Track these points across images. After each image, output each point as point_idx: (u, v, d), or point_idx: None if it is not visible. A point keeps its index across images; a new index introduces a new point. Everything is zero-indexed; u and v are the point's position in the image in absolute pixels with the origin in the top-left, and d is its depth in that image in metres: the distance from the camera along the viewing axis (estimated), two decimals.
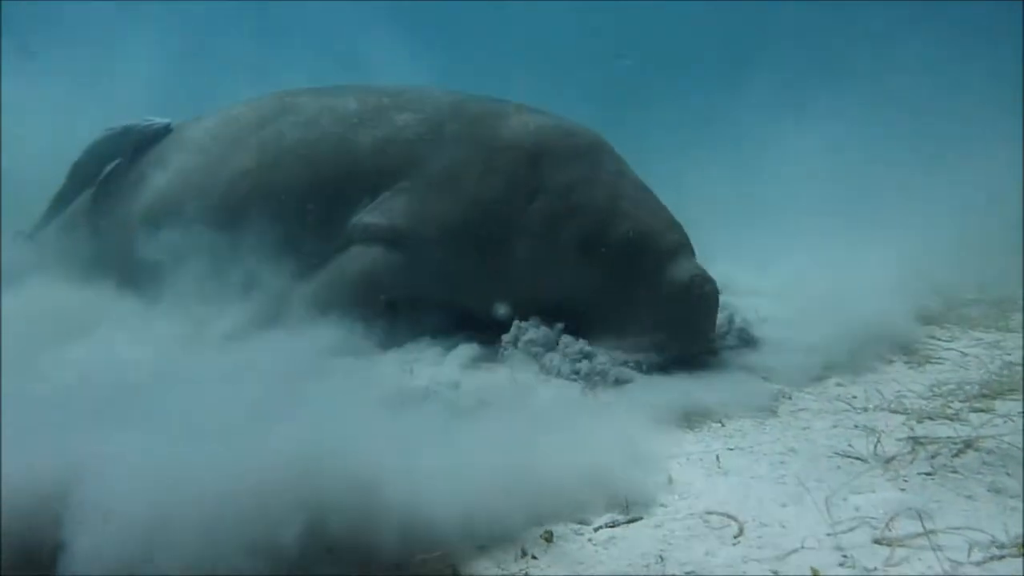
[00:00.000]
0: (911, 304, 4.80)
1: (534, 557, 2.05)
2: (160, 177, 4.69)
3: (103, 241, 4.83)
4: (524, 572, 1.97)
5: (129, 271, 4.44)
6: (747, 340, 4.13)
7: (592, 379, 3.45)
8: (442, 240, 4.02)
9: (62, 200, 5.15)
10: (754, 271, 6.14)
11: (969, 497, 2.38)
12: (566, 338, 3.75)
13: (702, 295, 3.74)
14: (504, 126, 4.20)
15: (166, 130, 5.01)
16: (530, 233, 3.97)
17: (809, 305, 4.87)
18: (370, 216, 4.13)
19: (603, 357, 3.59)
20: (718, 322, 4.03)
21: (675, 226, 4.02)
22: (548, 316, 3.93)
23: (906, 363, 3.96)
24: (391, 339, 3.94)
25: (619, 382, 3.46)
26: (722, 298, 4.01)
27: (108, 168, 5.05)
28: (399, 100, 4.44)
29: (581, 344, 3.67)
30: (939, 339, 4.39)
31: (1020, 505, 2.28)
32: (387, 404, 2.82)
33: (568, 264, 3.91)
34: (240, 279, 4.05)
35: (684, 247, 3.93)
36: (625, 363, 3.63)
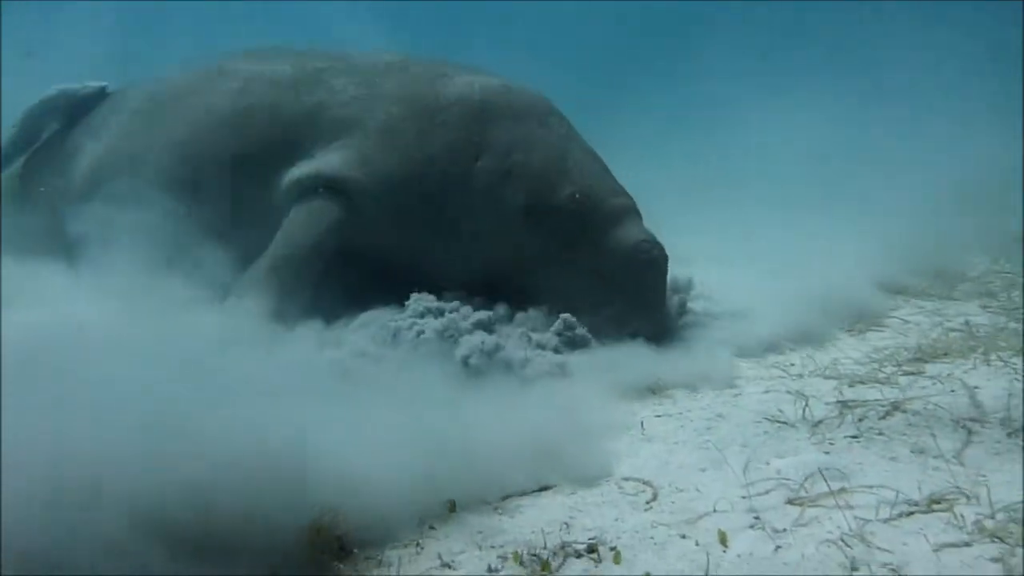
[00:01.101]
0: (867, 275, 4.76)
1: (432, 527, 1.95)
2: (95, 145, 4.53)
3: (39, 210, 4.65)
4: (416, 542, 1.87)
5: (64, 240, 4.27)
6: (701, 310, 4.06)
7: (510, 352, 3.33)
8: (384, 191, 3.87)
9: (1, 166, 4.97)
10: (726, 241, 6.08)
11: (892, 458, 2.33)
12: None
13: (649, 260, 3.63)
14: (447, 84, 4.06)
15: (102, 94, 4.83)
16: (474, 193, 3.84)
17: (770, 275, 4.83)
18: (306, 167, 3.97)
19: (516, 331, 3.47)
20: (672, 292, 3.95)
21: (621, 190, 3.91)
22: (496, 280, 3.82)
23: (848, 331, 3.93)
24: (326, 307, 3.80)
25: (544, 350, 3.34)
26: (685, 268, 3.95)
27: (45, 135, 4.87)
28: (337, 64, 4.29)
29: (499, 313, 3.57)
30: (887, 308, 4.36)
31: (940, 464, 2.23)
32: (295, 375, 2.69)
33: (512, 226, 3.78)
34: (175, 249, 3.89)
35: (630, 211, 3.81)
36: (570, 331, 3.53)
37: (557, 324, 3.55)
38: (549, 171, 3.79)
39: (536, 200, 3.75)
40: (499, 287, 3.84)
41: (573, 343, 3.50)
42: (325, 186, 3.91)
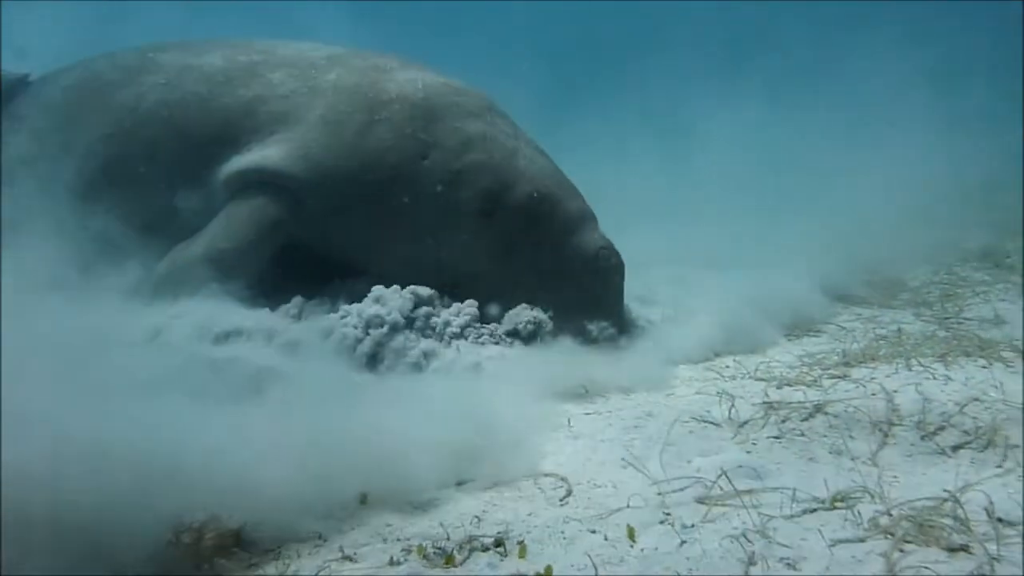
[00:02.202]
0: (813, 282, 4.82)
1: (338, 520, 1.92)
2: (17, 139, 4.32)
3: None
4: (318, 534, 1.84)
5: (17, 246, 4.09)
6: (647, 313, 4.07)
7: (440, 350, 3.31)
8: (325, 186, 3.76)
9: None
10: (677, 246, 6.12)
11: (810, 459, 2.36)
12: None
13: (609, 267, 3.62)
14: (389, 79, 3.98)
15: (23, 82, 4.65)
16: (423, 191, 3.73)
17: (717, 279, 4.87)
18: (244, 160, 3.84)
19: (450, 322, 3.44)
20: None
21: (575, 192, 3.87)
22: (453, 279, 3.74)
23: (787, 336, 3.98)
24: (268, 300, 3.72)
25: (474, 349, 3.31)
26: (637, 272, 3.94)
27: None
28: (273, 57, 4.17)
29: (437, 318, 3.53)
30: (827, 314, 4.43)
31: (855, 465, 2.26)
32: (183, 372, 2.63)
33: (468, 225, 3.70)
34: (97, 243, 3.77)
35: (587, 215, 3.78)
36: (520, 333, 3.51)
37: (505, 320, 3.54)
38: (504, 171, 3.72)
39: (492, 200, 3.68)
40: (457, 286, 3.75)
41: (517, 337, 3.49)
42: (265, 180, 3.79)
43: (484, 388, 2.98)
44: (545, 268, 3.63)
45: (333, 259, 3.93)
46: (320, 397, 2.56)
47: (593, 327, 3.58)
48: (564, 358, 3.38)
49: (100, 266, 3.72)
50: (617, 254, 3.68)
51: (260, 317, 3.40)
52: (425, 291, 3.57)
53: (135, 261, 3.79)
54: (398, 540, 1.86)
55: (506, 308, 3.64)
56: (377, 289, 3.53)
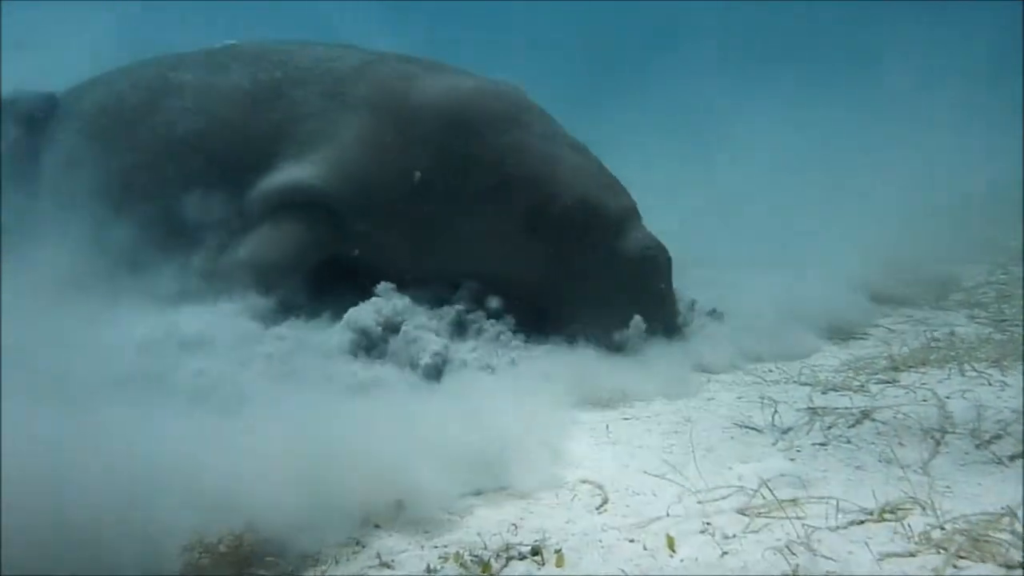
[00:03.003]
0: (859, 282, 4.69)
1: (377, 526, 1.93)
2: (52, 165, 4.35)
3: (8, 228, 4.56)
4: (356, 540, 1.85)
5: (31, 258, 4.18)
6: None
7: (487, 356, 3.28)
8: (367, 205, 3.75)
9: None
10: (715, 246, 6.01)
11: (858, 467, 2.29)
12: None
13: (654, 266, 3.54)
14: (418, 90, 3.86)
15: (51, 102, 4.67)
16: (465, 206, 3.71)
17: (759, 281, 4.79)
18: (280, 178, 3.83)
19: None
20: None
21: (618, 189, 3.78)
22: (499, 293, 3.68)
23: (831, 339, 3.88)
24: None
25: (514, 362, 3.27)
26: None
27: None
28: (294, 72, 4.08)
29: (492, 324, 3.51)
30: (874, 316, 4.31)
31: (905, 474, 2.19)
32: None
33: (511, 241, 3.66)
34: (139, 269, 3.77)
35: (630, 213, 3.68)
36: (576, 340, 3.47)
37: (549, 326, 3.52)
38: (543, 182, 3.65)
39: (534, 215, 3.63)
40: (505, 297, 3.71)
41: (557, 342, 3.46)
42: (306, 199, 3.78)
43: (521, 393, 2.96)
44: (591, 273, 3.57)
45: (376, 272, 3.93)
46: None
47: (638, 329, 3.48)
48: (602, 362, 3.35)
49: (129, 284, 3.78)
50: (663, 250, 3.60)
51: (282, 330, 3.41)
52: (464, 295, 3.58)
53: (167, 277, 3.84)
54: (435, 547, 1.86)
55: (553, 314, 3.61)
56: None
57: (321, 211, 3.78)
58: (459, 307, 3.56)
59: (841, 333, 3.93)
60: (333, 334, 3.29)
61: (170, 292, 3.69)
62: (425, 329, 3.29)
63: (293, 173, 3.82)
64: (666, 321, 3.60)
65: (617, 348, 3.42)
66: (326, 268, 3.90)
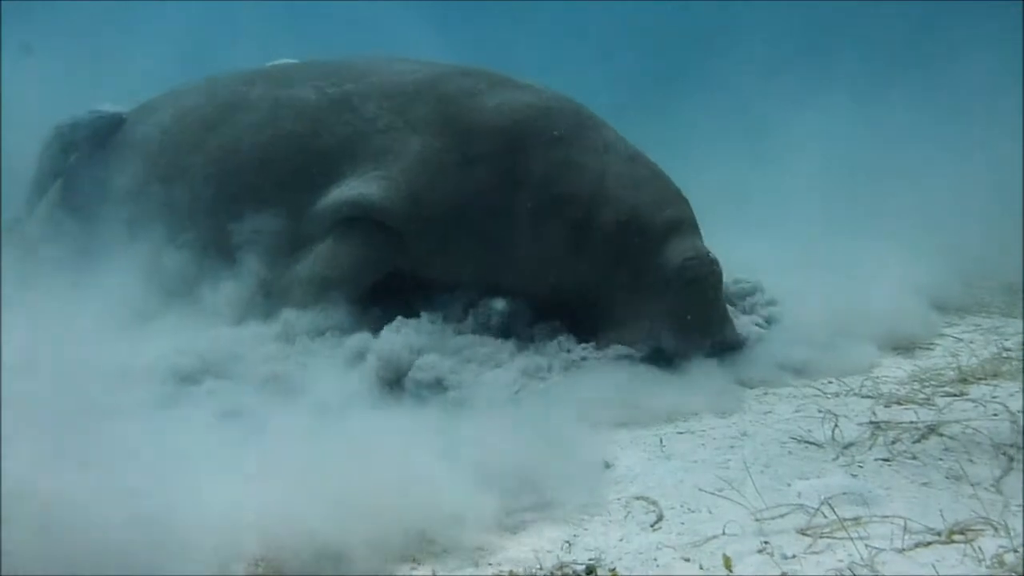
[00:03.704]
0: (923, 288, 4.52)
1: (431, 541, 1.95)
2: (120, 180, 4.52)
3: (74, 239, 4.77)
4: (413, 557, 1.87)
5: (98, 272, 4.36)
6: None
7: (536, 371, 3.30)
8: (425, 224, 3.81)
9: (37, 189, 5.12)
10: (772, 252, 5.89)
11: (925, 484, 2.21)
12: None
13: (696, 279, 3.46)
14: (478, 108, 3.91)
15: (118, 121, 4.86)
16: (517, 225, 3.75)
17: (818, 287, 4.69)
18: (346, 193, 3.89)
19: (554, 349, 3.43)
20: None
21: (669, 200, 3.72)
22: (550, 307, 3.75)
23: (895, 349, 3.76)
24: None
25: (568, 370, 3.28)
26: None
27: (68, 162, 4.98)
28: (362, 86, 4.14)
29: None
30: (939, 325, 4.15)
31: (976, 492, 2.10)
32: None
33: (559, 257, 3.69)
34: (208, 282, 3.93)
35: (678, 224, 3.60)
36: (620, 355, 3.45)
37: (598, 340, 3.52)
38: (589, 196, 3.66)
39: (580, 230, 3.65)
40: (552, 312, 3.76)
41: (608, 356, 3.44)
42: (369, 216, 3.85)
43: (572, 408, 2.96)
44: (638, 286, 3.55)
45: (435, 285, 3.96)
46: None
47: (688, 342, 3.44)
48: (653, 376, 3.32)
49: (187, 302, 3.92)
50: (710, 263, 3.52)
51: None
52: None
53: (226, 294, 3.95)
54: (490, 565, 1.87)
55: (603, 328, 3.59)
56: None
57: (380, 229, 3.85)
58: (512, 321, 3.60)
59: (905, 343, 3.80)
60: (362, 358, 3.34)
61: (229, 309, 3.81)
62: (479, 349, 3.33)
63: (357, 189, 3.88)
64: (714, 335, 3.52)
65: (653, 360, 3.39)
66: (381, 285, 3.97)
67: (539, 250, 3.73)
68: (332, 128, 4.06)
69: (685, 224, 3.66)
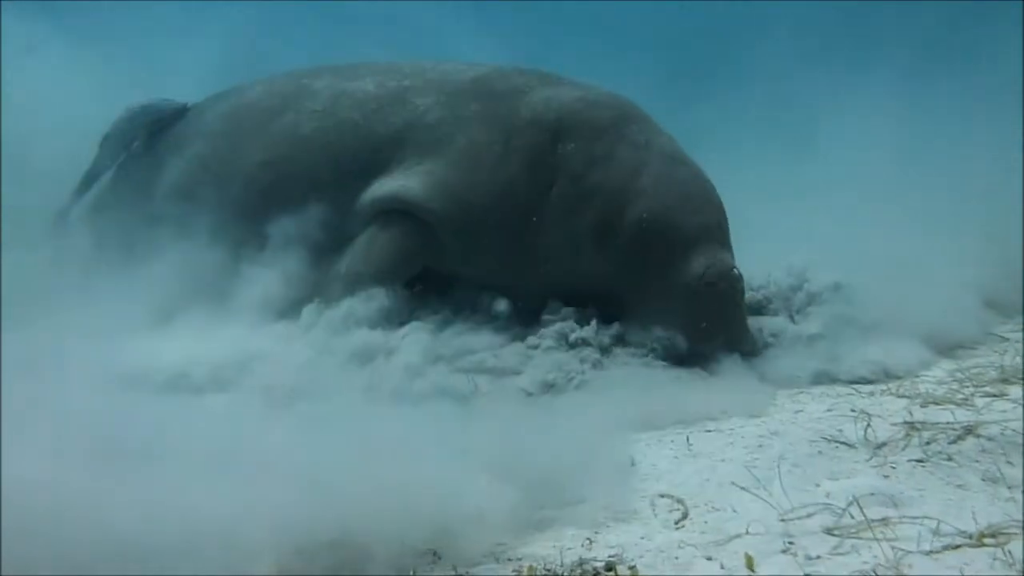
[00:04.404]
0: (969, 285, 4.36)
1: (453, 535, 1.97)
2: (177, 164, 4.71)
3: (124, 227, 4.94)
4: (433, 551, 1.89)
5: (147, 258, 4.53)
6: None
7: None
8: (462, 221, 3.86)
9: (90, 178, 5.29)
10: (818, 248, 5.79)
11: (959, 486, 2.15)
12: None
13: (715, 291, 3.41)
14: (525, 104, 3.96)
15: (183, 111, 5.05)
16: (550, 218, 3.77)
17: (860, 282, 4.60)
18: (388, 187, 3.99)
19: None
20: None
21: (703, 206, 3.64)
22: (575, 304, 3.76)
23: (936, 347, 3.65)
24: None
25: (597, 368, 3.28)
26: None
27: (128, 150, 5.15)
28: (420, 81, 4.26)
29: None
30: (991, 323, 4.02)
31: (1013, 495, 2.04)
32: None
33: (585, 251, 3.70)
34: (258, 269, 4.05)
35: (708, 232, 3.55)
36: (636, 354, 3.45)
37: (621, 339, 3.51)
38: (621, 191, 3.63)
39: (605, 223, 3.63)
40: (581, 305, 3.76)
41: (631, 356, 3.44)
42: (406, 210, 3.91)
43: (598, 406, 2.96)
44: (659, 292, 3.52)
45: (465, 280, 4.02)
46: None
47: (700, 351, 3.43)
48: (683, 376, 3.30)
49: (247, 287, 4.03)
50: (731, 277, 3.46)
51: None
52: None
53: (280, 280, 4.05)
54: (510, 560, 1.88)
55: (622, 327, 3.60)
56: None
57: (417, 224, 3.91)
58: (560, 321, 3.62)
59: (948, 341, 3.69)
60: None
61: (281, 301, 3.90)
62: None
63: (398, 182, 3.96)
64: (731, 348, 3.46)
65: (680, 361, 3.39)
66: (417, 278, 4.02)
67: (566, 244, 3.74)
68: (386, 118, 4.16)
69: (715, 232, 3.60)
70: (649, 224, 3.54)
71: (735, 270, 3.49)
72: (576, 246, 3.72)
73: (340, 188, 4.14)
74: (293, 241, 4.09)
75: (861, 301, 4.06)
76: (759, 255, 4.39)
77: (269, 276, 4.00)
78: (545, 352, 3.40)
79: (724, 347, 3.44)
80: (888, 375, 3.24)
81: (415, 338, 3.45)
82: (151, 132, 5.04)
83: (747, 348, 3.53)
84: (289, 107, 4.50)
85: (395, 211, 3.95)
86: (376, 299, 3.76)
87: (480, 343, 3.47)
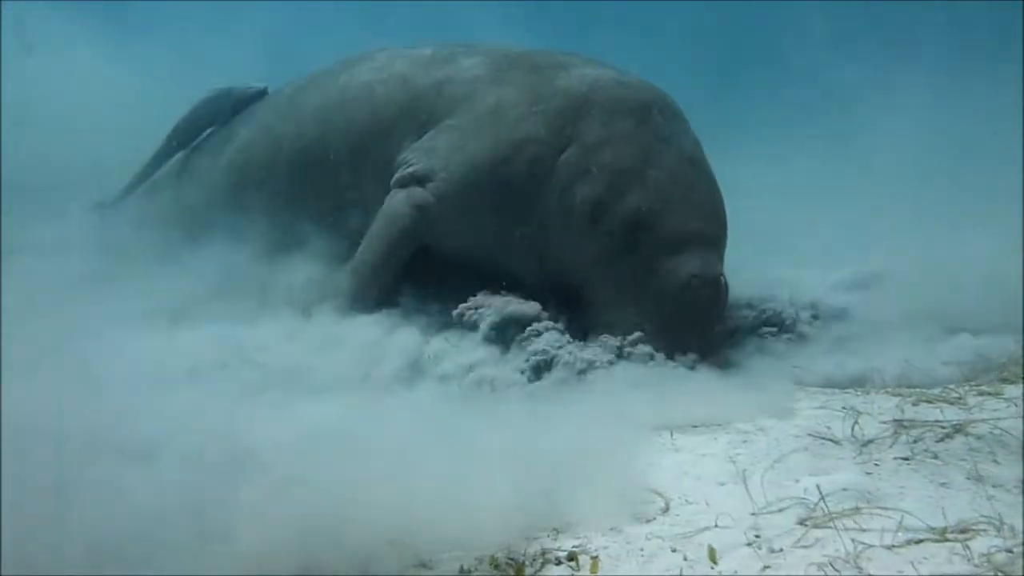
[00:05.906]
0: (994, 279, 4.26)
1: (416, 526, 1.98)
2: (243, 131, 5.08)
3: (184, 200, 5.16)
4: (396, 540, 1.91)
5: (203, 226, 4.76)
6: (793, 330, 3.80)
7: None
8: (468, 180, 3.90)
9: (157, 161, 5.46)
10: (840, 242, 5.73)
11: (942, 484, 2.12)
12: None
13: (695, 299, 3.38)
14: (561, 75, 3.97)
15: (262, 95, 5.26)
16: (552, 186, 3.72)
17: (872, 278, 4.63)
18: (411, 155, 4.13)
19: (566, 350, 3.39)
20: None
21: (704, 213, 3.58)
22: (555, 280, 3.77)
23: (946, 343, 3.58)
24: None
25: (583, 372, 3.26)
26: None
27: (205, 134, 5.34)
28: (473, 48, 4.42)
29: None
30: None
31: (996, 494, 2.00)
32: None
33: (576, 231, 3.64)
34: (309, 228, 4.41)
35: (698, 238, 3.48)
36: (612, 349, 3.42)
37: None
38: (624, 177, 3.56)
39: (602, 202, 3.56)
40: (556, 286, 3.77)
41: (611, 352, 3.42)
42: (418, 178, 4.05)
43: (577, 402, 2.96)
44: (640, 285, 3.47)
45: (460, 258, 4.07)
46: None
47: (682, 352, 3.39)
48: (677, 375, 3.29)
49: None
50: (715, 286, 3.43)
51: None
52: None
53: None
54: (476, 548, 1.90)
55: (603, 319, 3.55)
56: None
57: (418, 203, 4.01)
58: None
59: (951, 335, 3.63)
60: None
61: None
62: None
63: (421, 152, 4.10)
64: (695, 352, 3.41)
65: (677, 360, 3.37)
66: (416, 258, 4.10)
67: (562, 215, 3.70)
68: (431, 71, 4.33)
69: (707, 240, 3.54)
70: (644, 216, 3.48)
71: (722, 277, 3.46)
72: (569, 219, 3.66)
73: (377, 137, 4.34)
74: (335, 194, 4.48)
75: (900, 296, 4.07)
76: (772, 250, 4.36)
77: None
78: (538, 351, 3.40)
79: (695, 353, 3.39)
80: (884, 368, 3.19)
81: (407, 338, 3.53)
82: (232, 114, 5.23)
83: (714, 359, 3.46)
84: (349, 68, 4.77)
85: (409, 179, 4.07)
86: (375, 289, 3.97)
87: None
